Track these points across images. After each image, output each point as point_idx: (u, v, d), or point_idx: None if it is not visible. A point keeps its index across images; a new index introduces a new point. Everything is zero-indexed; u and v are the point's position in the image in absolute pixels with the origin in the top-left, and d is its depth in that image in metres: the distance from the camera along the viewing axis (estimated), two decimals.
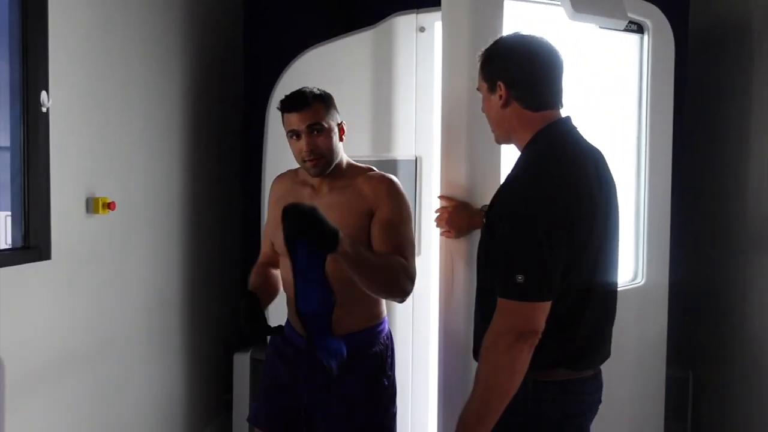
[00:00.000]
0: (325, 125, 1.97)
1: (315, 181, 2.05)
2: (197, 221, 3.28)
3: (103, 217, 2.43)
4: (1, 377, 0.40)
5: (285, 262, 1.92)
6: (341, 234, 1.68)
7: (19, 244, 2.22)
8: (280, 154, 2.75)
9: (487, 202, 2.20)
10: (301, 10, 3.81)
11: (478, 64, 1.71)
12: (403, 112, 2.63)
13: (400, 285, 1.88)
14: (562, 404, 1.62)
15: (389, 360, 2.08)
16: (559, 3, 2.28)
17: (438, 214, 2.14)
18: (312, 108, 1.96)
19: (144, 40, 2.79)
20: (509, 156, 2.22)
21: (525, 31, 1.70)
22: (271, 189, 2.20)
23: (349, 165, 2.09)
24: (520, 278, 1.47)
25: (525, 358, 1.49)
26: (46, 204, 2.19)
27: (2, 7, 2.17)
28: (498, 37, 1.76)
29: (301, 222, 1.64)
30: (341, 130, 2.05)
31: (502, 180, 1.69)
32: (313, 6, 3.82)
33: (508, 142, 1.73)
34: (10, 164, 2.19)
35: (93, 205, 2.38)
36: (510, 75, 1.62)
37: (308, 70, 2.73)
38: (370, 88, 2.66)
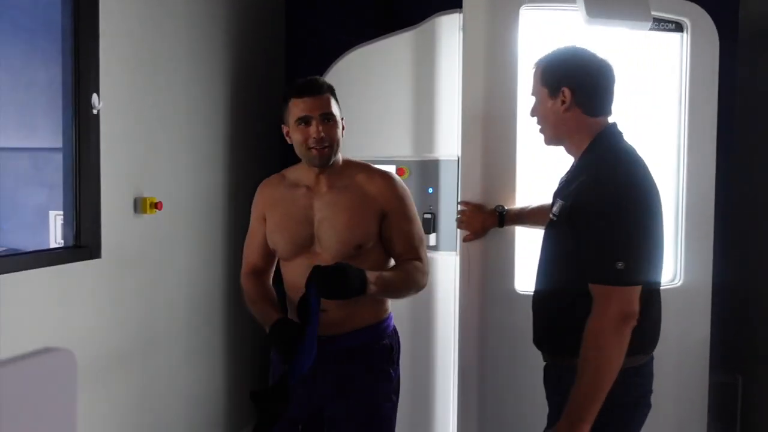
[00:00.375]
0: (335, 116, 1.98)
1: (310, 180, 2.01)
2: (239, 221, 3.32)
3: (151, 216, 2.48)
4: (72, 368, 0.42)
5: (293, 266, 1.99)
6: (368, 276, 1.78)
7: (71, 242, 2.28)
8: None
9: (502, 203, 2.31)
10: (342, 11, 3.83)
11: (534, 71, 1.85)
12: (445, 112, 2.64)
13: (419, 286, 2.01)
14: (635, 387, 1.75)
15: (395, 353, 2.11)
16: (575, 8, 2.28)
17: (458, 217, 2.44)
18: (325, 96, 1.96)
19: (188, 44, 2.84)
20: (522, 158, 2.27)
21: (578, 44, 1.87)
22: (258, 194, 2.12)
23: (345, 161, 2.07)
24: (620, 265, 1.62)
25: (628, 338, 1.64)
26: (96, 204, 2.25)
27: (55, 12, 2.23)
28: (554, 47, 1.88)
29: (333, 284, 1.72)
30: (343, 126, 2.03)
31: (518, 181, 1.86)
32: (354, 7, 3.84)
33: (559, 143, 1.87)
34: (63, 165, 2.25)
35: (141, 205, 2.44)
36: (576, 82, 1.78)
37: (350, 71, 2.75)
38: (413, 88, 2.67)
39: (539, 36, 2.48)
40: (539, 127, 1.87)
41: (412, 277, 1.97)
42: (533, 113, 1.88)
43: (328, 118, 1.95)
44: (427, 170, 2.62)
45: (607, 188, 1.70)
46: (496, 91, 2.45)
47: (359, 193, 1.99)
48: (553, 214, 1.81)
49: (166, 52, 2.64)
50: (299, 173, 2.05)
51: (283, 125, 2.01)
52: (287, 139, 2.00)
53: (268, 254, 2.10)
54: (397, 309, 2.74)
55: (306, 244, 1.99)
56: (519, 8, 2.43)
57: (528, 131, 2.40)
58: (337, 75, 2.77)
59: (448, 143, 2.61)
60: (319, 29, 3.81)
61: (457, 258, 2.53)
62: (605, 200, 1.68)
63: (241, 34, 3.36)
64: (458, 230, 2.51)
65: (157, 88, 2.58)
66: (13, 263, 2.04)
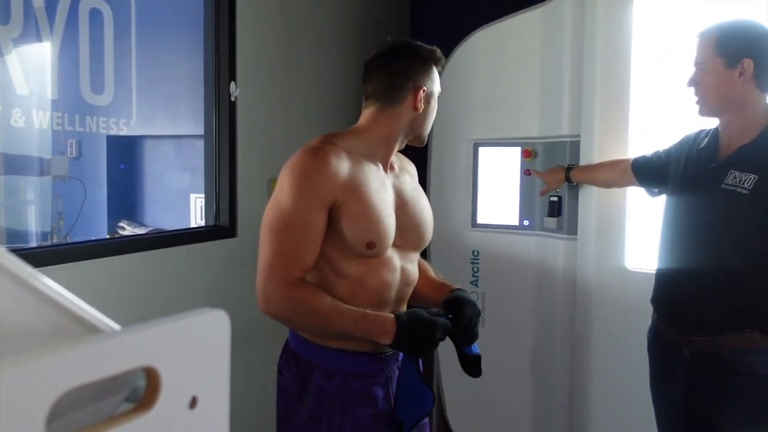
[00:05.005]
0: None
1: (381, 157, 1.59)
2: None
3: None
4: (225, 328, 0.45)
5: (374, 265, 1.54)
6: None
7: (211, 223, 2.44)
8: (446, 134, 2.78)
9: None
10: None
11: (703, 40, 1.79)
12: (572, 91, 2.56)
13: None
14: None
15: None
16: None
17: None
18: None
19: (319, 31, 2.93)
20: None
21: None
22: (319, 170, 1.47)
23: None
24: None
25: None
26: (233, 187, 2.39)
27: (199, 4, 2.38)
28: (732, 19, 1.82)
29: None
30: None
31: None
32: None
33: (719, 115, 1.82)
34: (204, 150, 2.40)
35: (273, 188, 2.55)
36: (758, 54, 1.73)
37: (477, 51, 2.72)
38: (540, 68, 2.60)
39: (657, 20, 2.38)
40: (697, 97, 1.82)
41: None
42: (694, 83, 1.81)
43: None
44: (554, 151, 2.55)
45: None
46: (610, 72, 2.38)
47: (413, 178, 1.73)
48: (743, 188, 1.71)
49: (299, 40, 2.74)
50: (365, 146, 1.57)
51: (421, 87, 1.59)
52: (419, 103, 1.58)
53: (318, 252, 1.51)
54: (523, 290, 2.70)
55: (393, 236, 1.57)
56: None
57: (641, 112, 2.37)
58: (463, 56, 2.75)
59: (576, 124, 2.53)
60: (444, 11, 3.79)
61: (579, 241, 2.47)
62: None
63: (369, 20, 3.42)
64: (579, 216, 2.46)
65: (289, 74, 2.69)
66: (160, 241, 2.21)
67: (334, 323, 1.46)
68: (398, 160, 1.69)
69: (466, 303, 1.58)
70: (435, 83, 1.62)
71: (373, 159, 1.57)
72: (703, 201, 1.80)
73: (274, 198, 1.49)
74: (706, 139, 1.87)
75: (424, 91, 1.57)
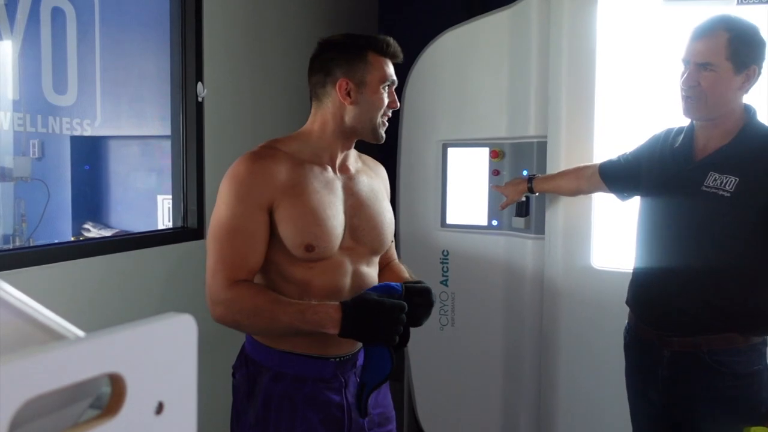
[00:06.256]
0: None
1: (331, 158, 1.57)
2: None
3: None
4: (192, 332, 0.45)
5: (321, 268, 1.51)
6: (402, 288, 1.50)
7: (179, 224, 2.41)
8: (415, 135, 2.79)
9: None
10: None
11: (710, 40, 1.71)
12: (538, 92, 2.58)
13: None
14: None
15: None
16: None
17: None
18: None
19: (286, 32, 2.92)
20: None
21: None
22: (254, 174, 1.47)
23: None
24: None
25: None
26: (201, 188, 2.37)
27: (164, 3, 2.35)
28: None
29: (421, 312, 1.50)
30: None
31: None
32: None
33: (711, 119, 1.76)
34: (172, 151, 2.38)
35: None
36: (762, 61, 1.72)
37: (445, 53, 2.74)
38: (507, 69, 2.63)
39: (619, 20, 2.42)
40: (692, 97, 1.73)
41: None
42: (694, 82, 1.72)
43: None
44: (522, 152, 2.58)
45: None
46: (575, 73, 2.41)
47: (377, 180, 1.68)
48: (725, 191, 1.69)
49: (267, 42, 2.72)
50: (309, 148, 1.56)
51: (342, 79, 1.53)
52: (345, 97, 1.52)
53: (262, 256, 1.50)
54: (492, 289, 2.73)
55: (339, 239, 1.54)
56: None
57: (607, 112, 2.40)
58: (431, 58, 2.76)
59: (543, 125, 2.56)
60: (411, 14, 3.81)
61: (546, 241, 2.50)
62: None
63: (336, 22, 3.41)
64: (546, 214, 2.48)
65: (260, 76, 2.67)
66: (127, 243, 2.18)
67: (278, 318, 1.43)
68: (358, 161, 1.66)
69: (416, 289, 1.51)
70: (368, 72, 1.52)
71: (318, 161, 1.55)
72: (682, 202, 1.78)
73: (215, 206, 1.50)
74: (681, 138, 1.84)
75: (348, 82, 1.52)
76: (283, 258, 1.49)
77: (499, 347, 2.67)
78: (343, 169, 1.59)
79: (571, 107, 2.43)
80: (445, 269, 2.73)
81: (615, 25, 2.40)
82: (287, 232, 1.47)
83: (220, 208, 1.47)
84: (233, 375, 1.61)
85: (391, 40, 1.56)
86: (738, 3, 2.20)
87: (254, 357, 1.56)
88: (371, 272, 1.61)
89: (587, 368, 2.44)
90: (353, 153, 1.64)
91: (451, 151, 2.72)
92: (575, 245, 2.44)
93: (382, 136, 1.57)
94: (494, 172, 2.62)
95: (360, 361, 1.56)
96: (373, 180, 1.66)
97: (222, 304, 1.44)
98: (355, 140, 1.60)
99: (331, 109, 1.55)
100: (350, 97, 1.52)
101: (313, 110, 1.58)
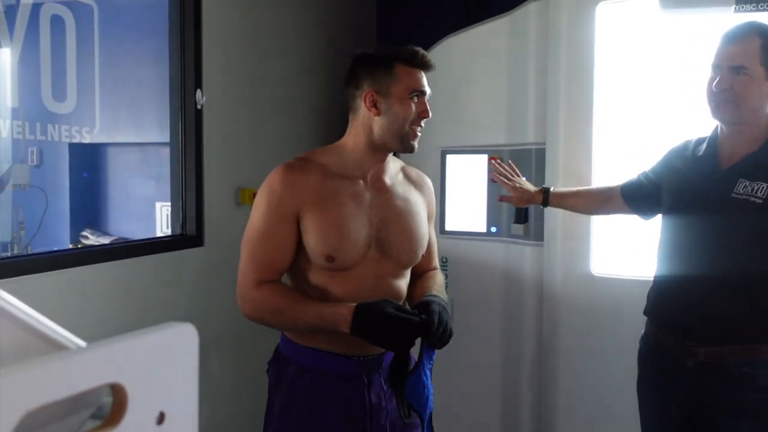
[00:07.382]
0: None
1: (363, 170, 1.61)
2: None
3: (251, 207, 2.58)
4: (194, 341, 0.45)
5: (344, 278, 1.57)
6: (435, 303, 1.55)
7: (177, 232, 2.41)
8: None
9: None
10: (432, 1, 3.83)
11: (744, 45, 1.70)
12: (537, 99, 2.59)
13: None
14: None
15: None
16: None
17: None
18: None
19: (285, 39, 2.92)
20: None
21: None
22: (285, 185, 1.56)
23: None
24: None
25: None
26: (200, 195, 2.37)
27: (164, 11, 2.35)
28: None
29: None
30: None
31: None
32: None
33: (741, 124, 1.75)
34: (170, 158, 2.38)
35: (242, 196, 2.54)
36: None
37: (443, 60, 2.73)
38: (506, 76, 2.63)
39: (620, 28, 2.42)
40: (725, 100, 1.71)
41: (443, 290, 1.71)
42: (727, 86, 1.70)
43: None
44: (520, 158, 2.58)
45: None
46: (574, 80, 2.41)
47: (415, 194, 1.69)
48: (756, 197, 1.68)
49: (265, 49, 2.73)
50: (342, 161, 1.61)
51: (367, 90, 1.57)
52: (371, 108, 1.57)
53: (289, 260, 1.60)
54: (491, 296, 2.72)
55: (365, 250, 1.59)
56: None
57: (605, 119, 2.39)
58: None
59: (541, 132, 2.56)
60: (410, 21, 3.82)
61: (545, 247, 2.50)
62: None
63: (336, 29, 3.42)
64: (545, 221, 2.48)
65: (259, 83, 2.67)
66: (126, 250, 2.18)
67: (299, 317, 1.54)
68: (399, 174, 1.68)
69: (431, 305, 1.54)
70: (393, 82, 1.56)
71: (350, 173, 1.60)
72: (710, 210, 1.75)
73: (251, 212, 1.63)
74: (704, 147, 1.81)
75: (374, 94, 1.56)
76: (307, 264, 1.59)
77: (499, 354, 2.66)
78: (377, 181, 1.63)
79: (570, 114, 2.44)
80: (444, 276, 2.73)
81: (613, 32, 2.41)
82: (310, 242, 1.56)
83: (254, 215, 1.60)
84: (267, 370, 1.71)
85: (420, 50, 1.60)
86: (735, 11, 2.21)
87: (284, 352, 1.66)
88: (398, 283, 1.65)
89: (586, 375, 2.44)
90: (393, 166, 1.67)
91: (449, 158, 2.72)
92: (574, 252, 2.44)
93: (413, 146, 1.60)
94: (493, 179, 2.62)
95: (386, 363, 1.63)
96: (411, 194, 1.68)
97: (249, 301, 1.58)
98: (388, 153, 1.63)
99: (361, 121, 1.60)
100: (377, 108, 1.57)
101: (349, 124, 1.64)
